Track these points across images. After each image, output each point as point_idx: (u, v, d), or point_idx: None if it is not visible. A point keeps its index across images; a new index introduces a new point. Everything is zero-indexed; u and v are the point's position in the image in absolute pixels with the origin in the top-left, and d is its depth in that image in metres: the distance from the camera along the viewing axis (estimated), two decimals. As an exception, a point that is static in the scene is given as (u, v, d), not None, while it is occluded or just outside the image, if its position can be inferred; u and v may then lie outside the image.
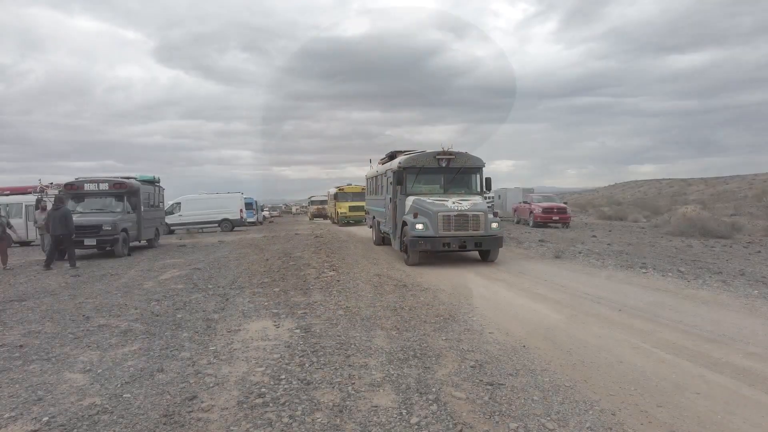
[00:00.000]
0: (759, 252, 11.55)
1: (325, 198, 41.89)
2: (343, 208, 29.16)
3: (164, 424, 3.10)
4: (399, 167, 11.14)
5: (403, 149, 13.27)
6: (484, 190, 11.51)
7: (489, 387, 3.60)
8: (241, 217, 27.80)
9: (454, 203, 10.21)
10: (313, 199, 47.39)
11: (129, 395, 3.57)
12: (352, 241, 16.89)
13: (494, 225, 10.11)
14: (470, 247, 10.14)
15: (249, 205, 31.58)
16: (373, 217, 15.86)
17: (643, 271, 8.88)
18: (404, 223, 10.60)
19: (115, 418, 3.20)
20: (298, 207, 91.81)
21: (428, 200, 10.42)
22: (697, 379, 3.82)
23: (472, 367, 4.02)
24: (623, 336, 4.97)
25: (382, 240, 14.68)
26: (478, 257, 11.18)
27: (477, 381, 3.72)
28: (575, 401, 3.37)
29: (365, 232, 21.77)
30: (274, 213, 59.20)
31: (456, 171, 11.28)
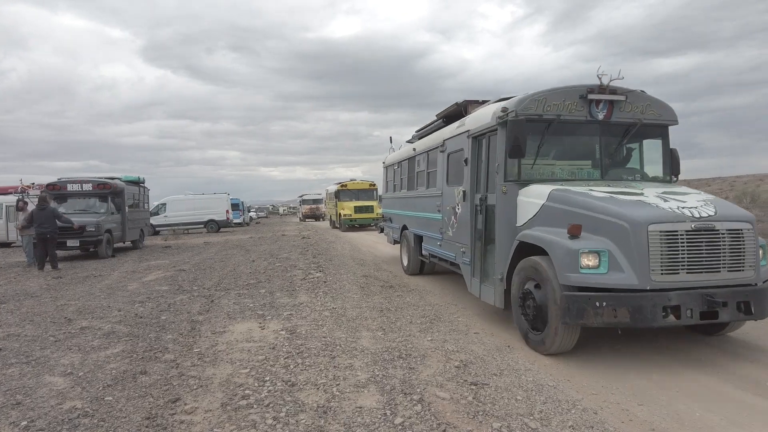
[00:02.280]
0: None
1: (319, 197, 39.45)
2: (347, 209, 24.60)
3: (146, 426, 3.07)
4: (508, 115, 5.05)
5: (475, 99, 7.15)
6: (672, 175, 5.74)
7: (473, 387, 3.62)
8: (228, 218, 27.62)
9: (667, 201, 4.31)
10: (304, 197, 43.04)
11: (111, 398, 3.52)
12: (339, 242, 16.86)
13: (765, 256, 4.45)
14: (727, 317, 4.03)
15: (235, 206, 31.39)
16: (403, 228, 9.66)
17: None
18: (523, 248, 4.80)
19: (96, 421, 3.16)
20: (285, 208, 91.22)
21: (596, 193, 4.52)
22: (677, 377, 3.89)
23: (456, 367, 4.04)
24: (606, 335, 5.04)
25: (421, 267, 9.06)
26: None
27: (461, 381, 3.74)
28: (558, 400, 3.41)
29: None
30: (261, 214, 58.57)
31: (627, 129, 5.35)
